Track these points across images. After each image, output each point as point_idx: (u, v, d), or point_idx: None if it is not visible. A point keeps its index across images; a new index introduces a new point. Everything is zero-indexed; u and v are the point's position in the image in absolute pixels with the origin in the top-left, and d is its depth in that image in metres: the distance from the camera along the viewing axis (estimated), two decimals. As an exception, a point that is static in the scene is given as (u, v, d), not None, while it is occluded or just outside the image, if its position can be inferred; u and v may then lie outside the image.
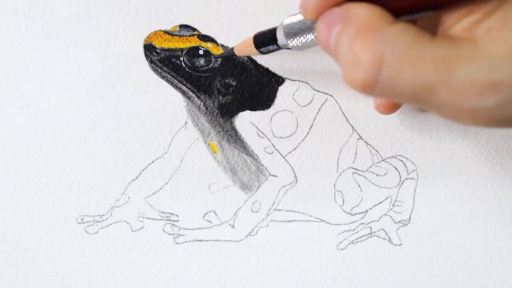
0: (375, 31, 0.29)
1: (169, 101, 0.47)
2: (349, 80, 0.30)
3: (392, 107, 0.43)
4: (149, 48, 0.46)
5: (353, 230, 0.48)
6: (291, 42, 0.36)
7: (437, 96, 0.29)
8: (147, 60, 0.46)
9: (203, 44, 0.46)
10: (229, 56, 0.46)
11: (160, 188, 0.47)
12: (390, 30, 0.29)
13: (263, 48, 0.40)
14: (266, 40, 0.39)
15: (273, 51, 0.39)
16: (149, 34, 0.46)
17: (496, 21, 0.28)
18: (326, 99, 0.47)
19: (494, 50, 0.28)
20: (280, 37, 0.37)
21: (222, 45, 0.46)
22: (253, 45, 0.40)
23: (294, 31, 0.36)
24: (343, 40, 0.30)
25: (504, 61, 0.28)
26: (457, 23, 0.30)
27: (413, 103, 0.30)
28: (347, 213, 0.48)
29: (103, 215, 0.47)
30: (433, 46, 0.29)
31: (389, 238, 0.48)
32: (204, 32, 0.46)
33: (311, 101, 0.47)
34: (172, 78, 0.46)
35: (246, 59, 0.46)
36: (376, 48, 0.29)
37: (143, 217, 0.47)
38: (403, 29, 0.29)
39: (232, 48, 0.44)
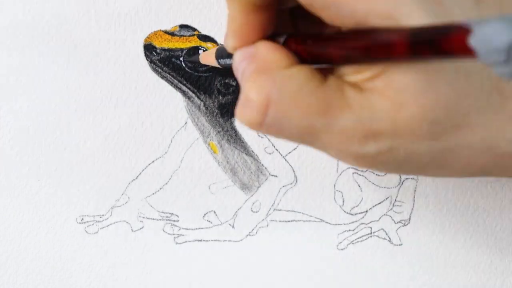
0: (267, 73, 0.31)
1: (169, 101, 0.47)
2: (238, 116, 0.32)
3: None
4: (149, 48, 0.46)
5: (353, 230, 0.48)
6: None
7: (320, 140, 0.30)
8: (147, 60, 0.46)
9: (203, 44, 0.46)
10: (195, 62, 0.45)
11: (160, 188, 0.47)
12: (281, 73, 0.31)
13: (222, 60, 0.39)
14: (225, 54, 0.38)
15: (230, 65, 0.38)
16: (149, 34, 0.46)
17: (380, 82, 0.29)
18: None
19: (378, 104, 0.29)
20: None
21: (222, 45, 0.46)
22: (214, 56, 0.40)
23: None
24: (243, 77, 0.32)
25: (385, 115, 0.29)
26: (349, 75, 0.31)
27: (300, 143, 0.32)
28: (347, 213, 0.48)
29: (103, 215, 0.47)
30: (320, 91, 0.30)
31: (389, 238, 0.48)
32: (204, 32, 0.46)
33: (311, 101, 0.47)
34: (172, 78, 0.46)
35: (246, 59, 0.46)
36: (264, 90, 0.30)
37: (143, 217, 0.47)
38: (294, 72, 0.31)
39: (198, 55, 0.44)
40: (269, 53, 0.31)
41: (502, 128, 0.30)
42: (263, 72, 0.31)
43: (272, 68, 0.31)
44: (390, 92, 0.29)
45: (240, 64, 0.33)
